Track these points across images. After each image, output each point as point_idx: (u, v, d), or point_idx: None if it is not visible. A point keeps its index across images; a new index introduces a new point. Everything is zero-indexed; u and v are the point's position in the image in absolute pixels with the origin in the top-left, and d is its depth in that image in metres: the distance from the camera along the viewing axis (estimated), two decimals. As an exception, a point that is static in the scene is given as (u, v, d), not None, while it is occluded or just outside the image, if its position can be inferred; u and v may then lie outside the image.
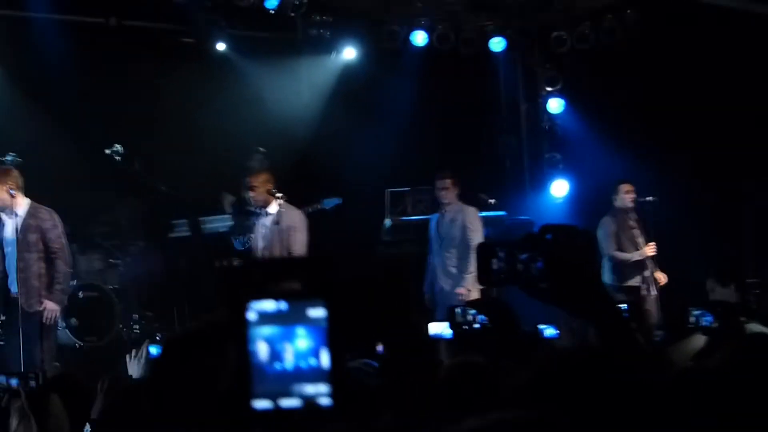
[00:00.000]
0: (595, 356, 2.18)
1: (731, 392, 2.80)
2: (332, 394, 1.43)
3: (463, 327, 3.09)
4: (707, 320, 5.38)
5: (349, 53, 15.02)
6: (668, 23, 13.89)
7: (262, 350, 1.43)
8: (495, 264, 2.60)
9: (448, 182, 11.95)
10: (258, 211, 11.11)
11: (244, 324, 1.41)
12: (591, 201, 14.45)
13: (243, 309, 1.41)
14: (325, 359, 1.44)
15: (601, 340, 2.46)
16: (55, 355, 9.64)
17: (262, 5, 13.19)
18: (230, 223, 13.40)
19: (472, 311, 2.96)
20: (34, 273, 9.55)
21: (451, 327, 3.31)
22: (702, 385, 2.72)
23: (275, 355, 1.43)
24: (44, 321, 9.43)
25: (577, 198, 15.37)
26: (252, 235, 11.50)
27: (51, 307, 9.49)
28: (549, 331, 6.43)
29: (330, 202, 13.36)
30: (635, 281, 12.25)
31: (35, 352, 9.37)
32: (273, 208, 10.89)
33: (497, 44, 15.18)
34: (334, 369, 1.43)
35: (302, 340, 1.44)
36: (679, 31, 13.80)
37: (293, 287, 1.44)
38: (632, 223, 12.42)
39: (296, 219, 10.92)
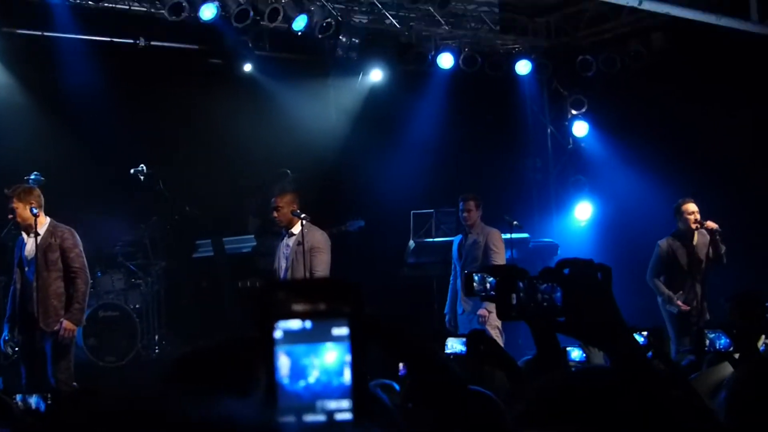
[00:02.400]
0: (603, 383, 2.17)
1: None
2: (353, 410, 1.46)
3: (481, 293, 3.10)
4: (724, 344, 5.33)
5: (376, 75, 15.06)
6: (693, 47, 13.85)
7: (286, 367, 1.48)
8: (514, 298, 2.61)
9: (471, 204, 11.96)
10: (282, 232, 11.13)
11: (271, 342, 1.47)
12: (615, 224, 14.42)
13: (270, 328, 1.47)
14: (347, 376, 1.47)
15: (616, 371, 2.46)
16: (73, 375, 9.62)
17: (290, 27, 13.22)
18: (253, 243, 13.46)
19: (491, 279, 2.97)
20: (53, 292, 9.54)
21: (466, 293, 3.36)
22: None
23: (300, 372, 1.48)
24: (60, 340, 9.44)
25: (601, 221, 15.34)
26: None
27: (69, 327, 9.47)
28: (576, 353, 6.38)
29: (354, 224, 13.40)
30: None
31: (53, 371, 9.42)
32: (296, 228, 10.90)
33: (523, 67, 15.19)
34: (356, 385, 1.46)
35: (326, 357, 1.49)
36: (704, 54, 13.76)
37: (318, 307, 1.48)
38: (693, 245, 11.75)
39: (320, 240, 10.91)
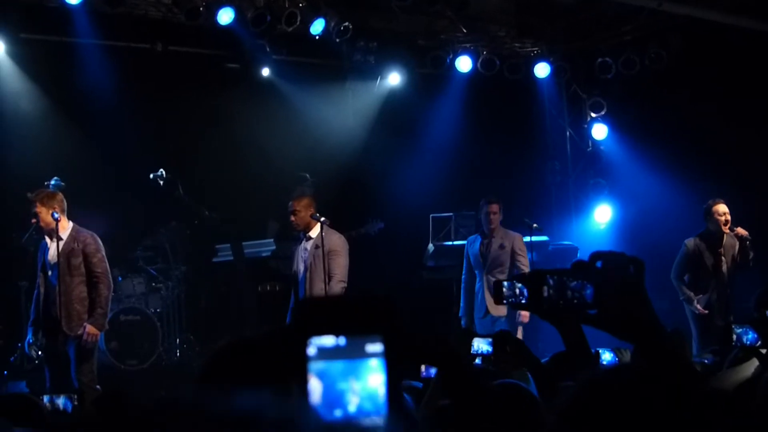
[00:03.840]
0: (639, 379, 2.16)
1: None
2: (388, 426, 1.45)
3: (510, 300, 3.11)
4: (751, 338, 5.30)
5: (394, 79, 15.06)
6: (713, 49, 13.79)
7: (319, 385, 1.46)
8: (546, 292, 2.61)
9: (496, 207, 11.95)
10: (300, 235, 11.12)
11: (305, 359, 1.44)
12: (634, 227, 14.38)
13: (304, 344, 1.45)
14: (382, 393, 1.45)
15: (648, 365, 2.45)
16: (96, 378, 9.65)
17: (308, 31, 13.22)
18: (273, 247, 13.47)
19: (520, 285, 2.98)
20: (76, 297, 9.56)
21: (496, 301, 3.37)
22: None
23: (333, 389, 1.45)
24: (84, 344, 9.46)
25: (620, 224, 15.30)
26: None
27: (92, 331, 9.49)
28: (607, 356, 6.37)
29: (374, 227, 13.41)
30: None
31: (76, 375, 9.44)
32: (314, 232, 10.89)
33: (542, 70, 15.17)
34: (391, 403, 1.45)
35: (361, 373, 1.46)
36: (724, 56, 13.71)
37: (352, 324, 1.46)
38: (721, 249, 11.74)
39: (338, 243, 10.89)
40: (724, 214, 11.61)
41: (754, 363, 5.41)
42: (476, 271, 12.07)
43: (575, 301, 2.55)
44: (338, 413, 1.44)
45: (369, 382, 1.45)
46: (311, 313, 1.49)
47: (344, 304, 1.51)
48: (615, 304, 2.47)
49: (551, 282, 2.60)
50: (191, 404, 1.30)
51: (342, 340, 1.47)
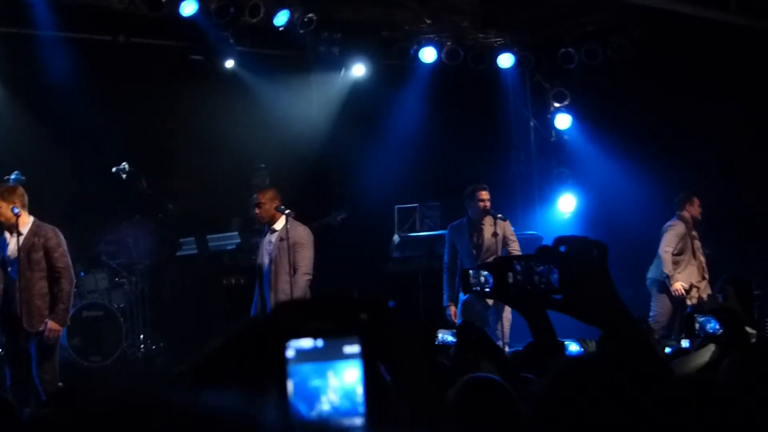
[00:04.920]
0: (610, 365, 2.16)
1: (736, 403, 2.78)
2: (366, 426, 1.46)
3: (476, 288, 3.11)
4: (712, 327, 5.35)
5: (359, 70, 15.04)
6: (675, 38, 13.88)
7: (299, 386, 1.45)
8: (511, 278, 2.59)
9: (487, 193, 11.79)
10: (265, 228, 11.09)
11: (284, 361, 1.43)
12: (599, 215, 14.46)
13: (282, 347, 1.43)
14: (359, 392, 1.46)
15: (615, 349, 2.46)
16: (58, 375, 9.53)
17: (271, 23, 13.18)
18: (237, 240, 13.42)
19: (485, 273, 2.97)
20: (36, 292, 9.37)
21: (465, 291, 3.36)
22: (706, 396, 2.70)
23: (312, 391, 1.45)
24: (45, 341, 9.33)
25: (584, 213, 15.38)
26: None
27: (53, 328, 9.31)
28: (573, 347, 6.42)
29: (336, 216, 13.42)
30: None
31: (37, 372, 9.32)
32: (279, 224, 10.86)
33: (506, 60, 15.21)
34: (369, 403, 1.46)
35: (339, 375, 1.46)
36: (685, 46, 13.80)
37: (329, 325, 1.46)
38: (695, 233, 12.51)
39: (303, 235, 10.87)
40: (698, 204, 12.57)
41: (711, 348, 5.46)
42: (465, 260, 11.68)
43: (542, 286, 2.55)
44: (316, 414, 1.44)
45: (347, 383, 1.46)
46: (289, 315, 1.49)
47: (321, 306, 1.50)
48: (579, 287, 2.48)
49: (518, 268, 2.61)
50: (155, 399, 1.29)
51: (320, 342, 1.47)
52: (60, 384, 9.35)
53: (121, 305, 12.80)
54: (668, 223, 12.42)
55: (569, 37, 15.12)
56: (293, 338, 1.46)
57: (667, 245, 12.33)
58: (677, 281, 12.23)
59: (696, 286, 12.28)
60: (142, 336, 12.87)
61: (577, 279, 2.48)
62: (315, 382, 1.45)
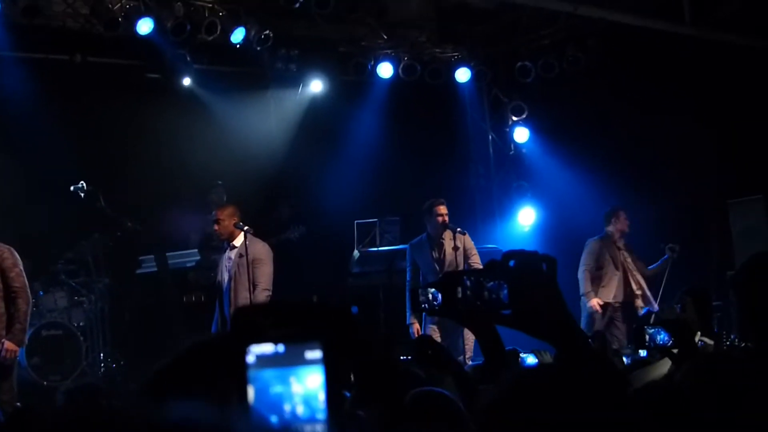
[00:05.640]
0: (557, 377, 2.18)
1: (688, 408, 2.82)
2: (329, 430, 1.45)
3: (424, 306, 3.10)
4: (662, 339, 5.38)
5: (316, 86, 15.05)
6: (630, 51, 14.01)
7: (261, 392, 1.45)
8: (460, 293, 2.59)
9: (445, 207, 11.77)
10: (224, 245, 11.07)
11: (244, 367, 1.42)
12: (558, 228, 14.53)
13: (243, 352, 1.43)
14: (321, 398, 1.45)
15: (563, 363, 2.47)
16: (17, 395, 9.44)
17: (228, 40, 13.17)
18: (197, 257, 13.38)
19: (433, 290, 2.97)
20: (-8, 312, 9.35)
21: (413, 310, 3.36)
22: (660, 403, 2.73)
23: (273, 396, 1.44)
24: (2, 361, 9.23)
25: (544, 226, 15.45)
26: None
27: (10, 348, 9.21)
28: (530, 360, 6.43)
29: (295, 231, 13.40)
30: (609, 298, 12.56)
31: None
32: (238, 241, 10.86)
33: (463, 75, 15.25)
34: (330, 409, 1.46)
35: (300, 381, 1.46)
36: (639, 58, 13.94)
37: (290, 331, 1.45)
38: (621, 245, 12.72)
39: (261, 251, 10.87)
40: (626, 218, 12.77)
41: (667, 362, 5.50)
42: (429, 276, 11.59)
43: (492, 301, 2.55)
44: (278, 420, 1.44)
45: (308, 389, 1.46)
46: (249, 321, 1.49)
47: (282, 312, 1.51)
48: (528, 302, 2.48)
49: (468, 283, 2.59)
50: (116, 416, 1.29)
51: (281, 348, 1.46)
52: (18, 404, 9.27)
53: (81, 324, 12.70)
54: (587, 241, 12.73)
55: (526, 50, 15.21)
56: (254, 343, 1.46)
57: (582, 264, 12.61)
58: (592, 298, 12.46)
59: (612, 304, 12.48)
60: (102, 355, 12.77)
61: (527, 293, 2.47)
62: (277, 388, 1.44)
